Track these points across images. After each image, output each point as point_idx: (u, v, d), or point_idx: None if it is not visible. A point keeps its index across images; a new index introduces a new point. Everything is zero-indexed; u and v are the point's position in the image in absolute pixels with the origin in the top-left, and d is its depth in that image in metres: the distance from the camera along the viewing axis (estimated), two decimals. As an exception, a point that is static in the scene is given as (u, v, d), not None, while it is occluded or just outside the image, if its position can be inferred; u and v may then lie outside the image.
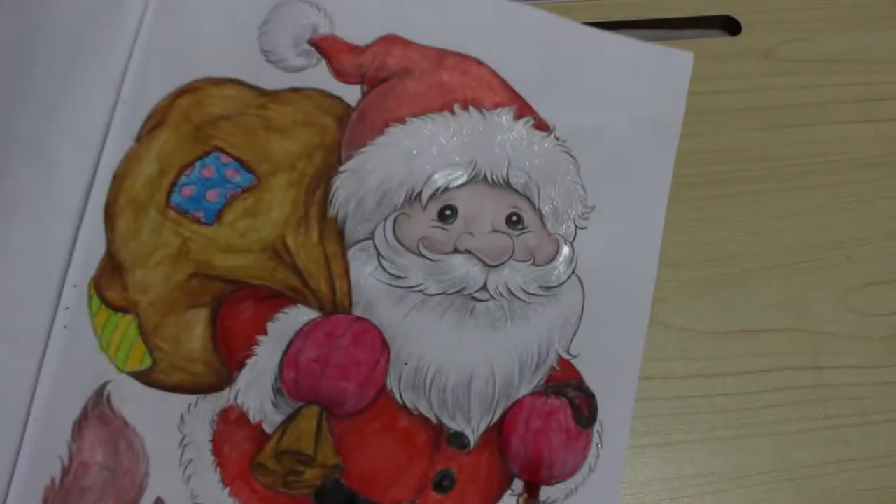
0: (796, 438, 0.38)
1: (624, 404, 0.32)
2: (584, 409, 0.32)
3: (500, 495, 0.32)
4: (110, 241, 0.32)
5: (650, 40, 0.43)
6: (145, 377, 0.31)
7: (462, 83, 0.33)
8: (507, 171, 0.32)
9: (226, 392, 0.31)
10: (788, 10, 0.48)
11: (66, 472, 0.31)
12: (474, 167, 0.32)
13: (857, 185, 0.44)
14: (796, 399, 0.39)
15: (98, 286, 0.32)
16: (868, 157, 0.45)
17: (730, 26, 0.48)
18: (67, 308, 0.32)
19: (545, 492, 0.32)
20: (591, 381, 0.33)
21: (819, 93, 0.46)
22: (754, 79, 0.46)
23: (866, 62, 0.48)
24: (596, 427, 0.33)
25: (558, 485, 0.32)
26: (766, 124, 0.45)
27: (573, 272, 0.33)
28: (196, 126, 0.32)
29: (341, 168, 0.32)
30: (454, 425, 0.31)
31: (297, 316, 0.31)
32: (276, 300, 0.32)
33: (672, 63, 0.39)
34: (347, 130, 0.32)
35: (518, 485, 0.32)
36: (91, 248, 0.32)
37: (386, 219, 0.32)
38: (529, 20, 0.35)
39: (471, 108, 0.32)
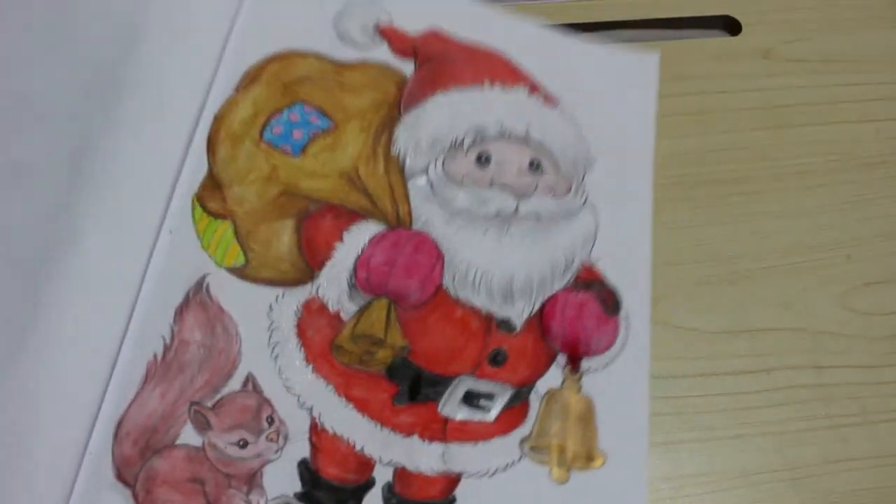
0: (796, 438, 0.38)
1: (642, 295, 0.39)
2: (609, 300, 0.38)
3: (546, 367, 0.38)
4: (212, 165, 0.39)
5: (650, 40, 0.47)
6: (239, 272, 0.37)
7: (489, 67, 0.42)
8: (527, 129, 0.41)
9: (308, 286, 0.37)
10: (788, 10, 0.49)
11: (167, 349, 0.36)
12: (501, 125, 0.40)
13: (857, 184, 0.44)
14: (796, 398, 0.39)
15: (201, 199, 0.38)
16: (868, 157, 0.45)
17: (730, 26, 0.48)
18: (174, 215, 0.37)
19: (586, 362, 0.38)
20: (612, 279, 0.39)
21: (819, 93, 0.46)
22: (754, 79, 0.47)
23: (866, 62, 0.48)
24: (622, 314, 0.38)
25: (596, 357, 0.38)
26: (766, 124, 0.45)
27: (585, 200, 0.40)
28: (284, 84, 0.41)
29: (401, 120, 0.40)
30: (502, 313, 0.37)
31: (368, 228, 0.38)
32: (350, 215, 0.38)
33: (638, 65, 0.44)
34: (405, 93, 0.41)
35: (562, 359, 0.38)
36: (196, 169, 0.39)
37: (436, 158, 0.40)
38: (525, 31, 0.44)
39: (496, 84, 0.42)
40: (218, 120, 0.39)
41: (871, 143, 0.46)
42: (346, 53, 0.42)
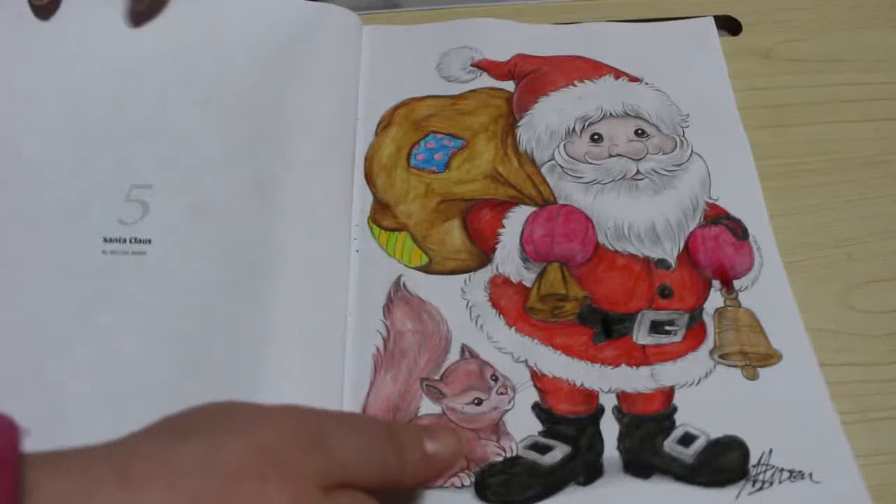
0: (798, 435, 0.38)
1: (761, 218, 0.43)
2: (738, 228, 0.43)
3: (707, 293, 0.41)
4: (375, 193, 0.45)
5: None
6: (427, 269, 0.42)
7: (575, 69, 0.49)
8: (623, 105, 0.47)
9: (488, 268, 0.42)
10: (788, 10, 0.50)
11: (386, 340, 0.40)
12: (601, 108, 0.47)
13: (857, 183, 0.44)
14: (797, 396, 0.39)
15: (375, 219, 0.44)
16: (868, 157, 0.45)
17: (730, 26, 0.49)
18: (356, 238, 0.43)
19: (737, 283, 0.41)
20: (734, 210, 0.43)
21: (819, 93, 0.47)
22: (754, 79, 0.48)
23: (866, 62, 0.48)
24: (751, 238, 0.43)
25: (743, 278, 0.42)
26: (767, 124, 0.46)
27: (692, 151, 0.45)
28: (413, 122, 0.47)
29: (518, 123, 0.47)
30: (656, 255, 0.42)
31: (522, 211, 0.43)
32: (504, 205, 0.44)
33: (698, 29, 0.50)
34: (514, 104, 0.48)
35: (716, 284, 0.41)
36: (363, 198, 0.44)
37: (558, 146, 0.46)
38: (590, 31, 0.51)
39: (585, 80, 0.48)
40: (368, 159, 0.46)
41: (871, 142, 0.46)
42: (455, 88, 0.48)
